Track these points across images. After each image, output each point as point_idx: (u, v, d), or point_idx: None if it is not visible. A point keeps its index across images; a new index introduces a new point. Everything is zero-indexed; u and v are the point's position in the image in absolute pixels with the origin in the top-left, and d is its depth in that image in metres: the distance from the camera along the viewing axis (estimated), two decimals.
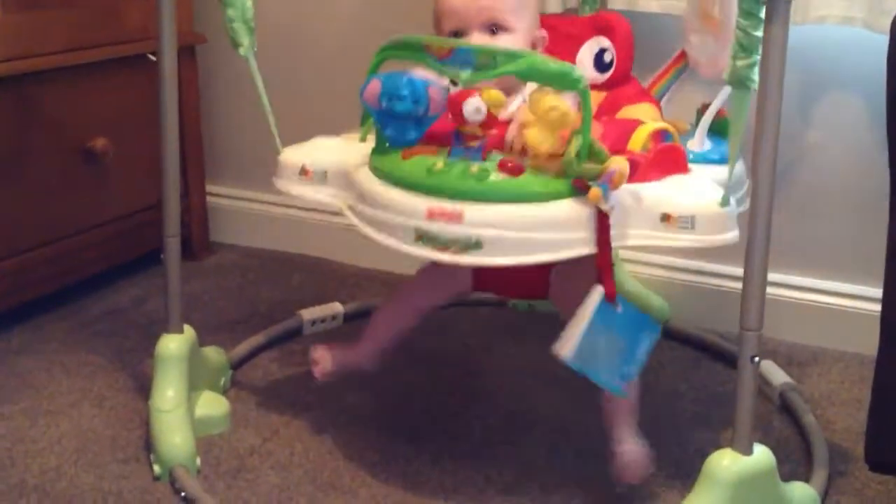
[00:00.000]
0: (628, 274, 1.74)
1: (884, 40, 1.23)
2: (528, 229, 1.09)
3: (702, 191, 1.14)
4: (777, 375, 1.51)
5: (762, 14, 1.03)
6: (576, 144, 1.08)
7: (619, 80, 1.36)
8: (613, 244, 1.10)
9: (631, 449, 1.26)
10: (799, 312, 1.69)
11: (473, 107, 1.10)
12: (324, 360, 1.41)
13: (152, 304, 1.81)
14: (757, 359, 1.10)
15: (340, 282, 1.91)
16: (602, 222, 1.09)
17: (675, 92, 1.43)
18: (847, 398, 1.51)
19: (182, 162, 1.38)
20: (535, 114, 1.09)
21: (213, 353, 1.49)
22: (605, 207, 1.07)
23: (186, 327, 1.39)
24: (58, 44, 1.69)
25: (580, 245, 1.10)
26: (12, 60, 1.61)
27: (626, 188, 1.10)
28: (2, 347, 1.64)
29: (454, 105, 1.12)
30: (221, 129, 2.09)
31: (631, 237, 1.12)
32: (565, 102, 1.09)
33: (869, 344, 1.33)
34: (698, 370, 1.60)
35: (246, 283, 1.95)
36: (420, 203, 1.10)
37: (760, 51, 1.04)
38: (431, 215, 1.09)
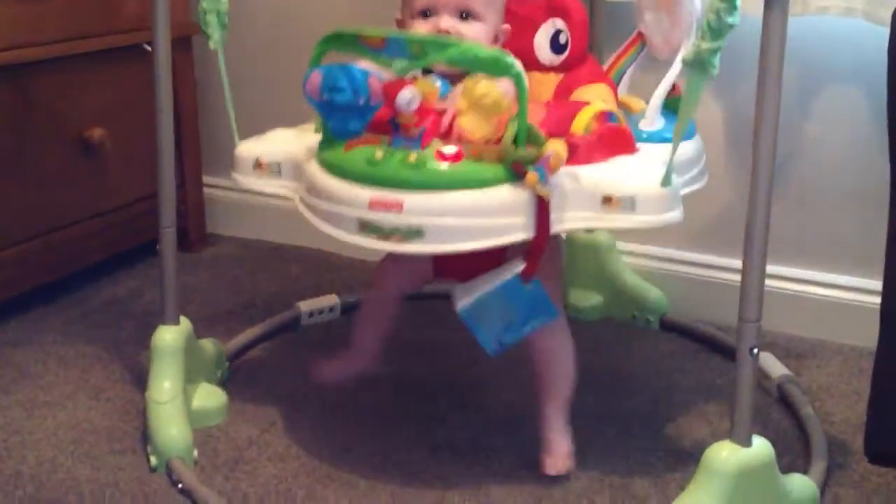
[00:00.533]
0: (625, 265, 1.74)
1: (884, 32, 1.23)
2: (467, 215, 1.09)
3: (644, 171, 1.14)
4: (775, 368, 1.51)
5: (737, 1, 1.02)
6: (512, 129, 1.09)
7: (575, 61, 1.36)
8: (554, 227, 1.11)
9: (556, 442, 1.28)
10: (797, 305, 1.68)
11: (406, 98, 1.10)
12: (323, 375, 1.45)
13: (150, 296, 1.80)
14: (756, 350, 1.09)
15: (338, 273, 1.90)
16: (541, 206, 1.09)
17: (637, 71, 1.43)
18: (846, 390, 1.51)
19: (178, 153, 1.38)
20: (469, 101, 1.10)
21: (210, 345, 1.49)
22: (542, 191, 1.08)
23: (183, 319, 1.39)
24: (54, 34, 1.68)
25: (521, 230, 1.10)
26: (9, 50, 1.60)
27: (567, 171, 1.11)
28: None
29: (388, 95, 1.12)
30: (218, 120, 2.08)
31: (572, 220, 1.13)
32: (498, 89, 1.10)
33: (867, 336, 1.34)
34: (696, 362, 1.60)
35: (243, 274, 1.94)
36: (362, 193, 1.11)
37: (727, 38, 1.03)
38: (373, 205, 1.09)
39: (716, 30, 1.04)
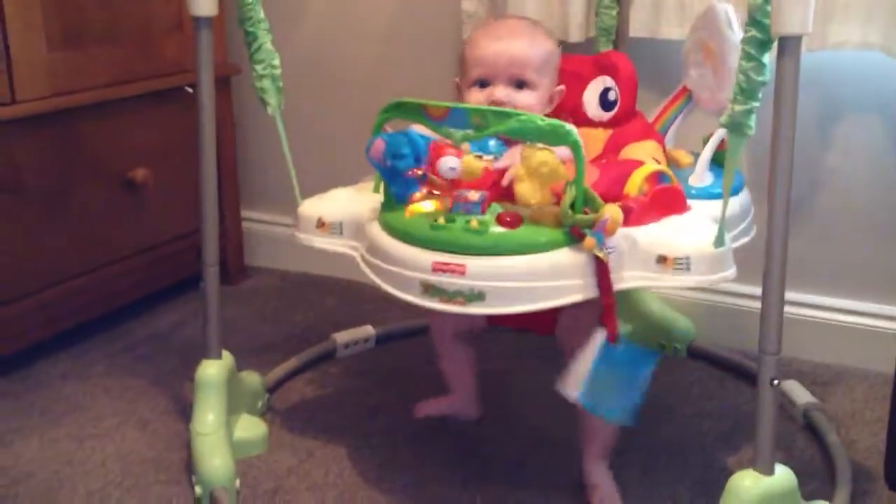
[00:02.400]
0: (654, 295, 1.77)
1: None
2: (527, 279, 1.12)
3: (697, 231, 1.18)
4: (801, 395, 1.53)
5: (765, 59, 1.05)
6: (570, 195, 1.12)
7: (623, 117, 1.41)
8: (614, 287, 1.14)
9: (602, 485, 1.31)
10: (823, 332, 1.71)
11: (448, 165, 1.15)
12: (424, 409, 1.51)
13: (191, 328, 1.86)
14: (777, 382, 1.12)
15: (373, 304, 1.94)
16: (601, 268, 1.12)
17: (682, 123, 1.46)
18: (871, 417, 1.53)
19: (218, 189, 1.43)
20: (527, 169, 1.14)
21: (250, 377, 1.54)
22: (600, 255, 1.11)
23: (224, 353, 1.44)
24: (100, 79, 1.75)
25: (579, 291, 1.13)
26: (57, 96, 1.68)
27: (623, 232, 1.14)
28: (48, 372, 1.69)
29: (433, 155, 1.15)
30: (255, 156, 2.15)
31: (629, 280, 1.16)
32: (555, 157, 1.13)
33: (893, 362, 1.35)
34: (723, 390, 1.63)
35: (281, 306, 1.99)
36: (425, 257, 1.14)
37: (760, 97, 1.06)
38: (436, 269, 1.13)
39: (747, 90, 1.07)
